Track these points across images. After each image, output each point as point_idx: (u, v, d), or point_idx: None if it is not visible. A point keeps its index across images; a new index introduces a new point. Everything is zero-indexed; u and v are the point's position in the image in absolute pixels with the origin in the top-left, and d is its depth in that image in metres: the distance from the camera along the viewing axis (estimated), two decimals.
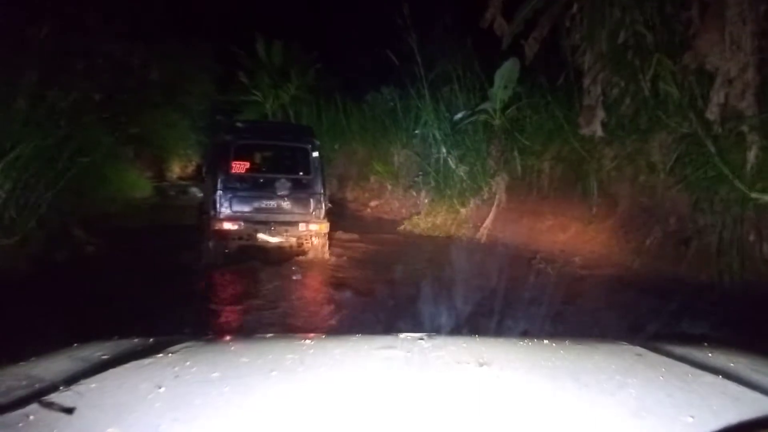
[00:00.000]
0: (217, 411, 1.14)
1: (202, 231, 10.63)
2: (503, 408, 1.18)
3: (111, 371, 1.35)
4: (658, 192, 10.29)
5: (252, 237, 10.25)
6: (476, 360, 1.43)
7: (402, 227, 15.57)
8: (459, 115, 15.59)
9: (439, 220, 15.25)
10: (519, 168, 13.86)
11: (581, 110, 11.21)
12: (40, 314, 5.04)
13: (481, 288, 8.15)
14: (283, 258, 10.56)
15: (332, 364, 1.46)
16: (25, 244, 9.31)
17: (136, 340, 1.72)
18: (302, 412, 1.15)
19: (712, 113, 8.57)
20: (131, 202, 20.13)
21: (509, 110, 14.48)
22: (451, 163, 15.73)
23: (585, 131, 11.03)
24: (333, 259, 10.83)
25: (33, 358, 1.54)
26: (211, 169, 11.02)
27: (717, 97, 8.44)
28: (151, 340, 1.71)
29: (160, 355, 1.50)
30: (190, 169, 28.37)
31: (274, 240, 10.43)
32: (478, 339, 1.83)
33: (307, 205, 10.46)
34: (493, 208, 13.79)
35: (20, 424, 1.06)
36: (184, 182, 26.67)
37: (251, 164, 10.91)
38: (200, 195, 14.16)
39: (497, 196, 13.98)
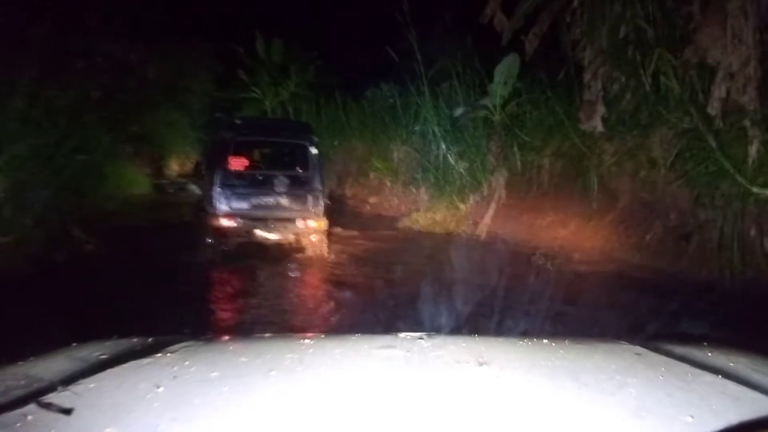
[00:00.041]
0: (216, 411, 1.14)
1: (200, 228, 10.58)
2: (503, 408, 1.17)
3: (109, 371, 1.35)
4: (658, 187, 10.25)
5: (250, 234, 10.19)
6: (476, 359, 1.42)
7: (401, 224, 15.51)
8: (458, 111, 15.54)
9: (438, 217, 15.19)
10: (519, 164, 13.82)
11: (581, 105, 11.16)
12: (36, 314, 4.99)
13: (480, 285, 8.11)
14: (281, 255, 10.51)
15: (332, 363, 1.46)
16: (22, 242, 9.26)
17: (134, 340, 1.71)
18: (301, 412, 1.14)
19: (713, 108, 8.52)
20: (130, 199, 20.03)
21: (509, 106, 14.43)
22: (451, 160, 15.68)
23: (585, 127, 10.98)
24: (332, 256, 10.78)
25: (31, 358, 1.54)
26: (210, 166, 10.96)
27: (718, 91, 8.39)
28: (150, 340, 1.71)
29: (159, 354, 1.49)
30: (190, 166, 28.26)
31: (272, 237, 10.37)
32: (477, 338, 1.82)
33: (305, 201, 10.40)
34: (493, 204, 13.73)
35: (18, 424, 1.06)
36: (183, 180, 26.54)
37: (249, 161, 10.86)
38: (199, 192, 14.10)
39: (497, 192, 13.92)
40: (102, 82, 15.72)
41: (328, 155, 17.90)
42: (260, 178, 10.45)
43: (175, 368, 1.37)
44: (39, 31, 10.50)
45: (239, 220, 10.02)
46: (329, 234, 10.95)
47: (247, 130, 11.23)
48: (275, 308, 7.49)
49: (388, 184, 19.22)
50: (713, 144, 8.72)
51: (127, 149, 23.19)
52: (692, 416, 1.14)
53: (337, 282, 9.01)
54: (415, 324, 6.12)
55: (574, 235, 11.24)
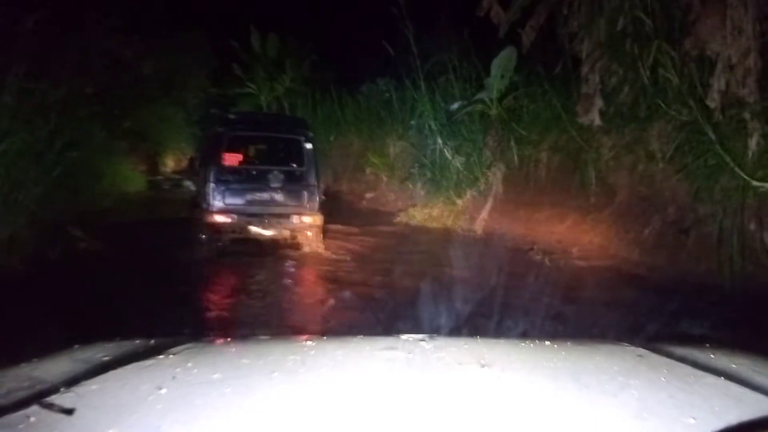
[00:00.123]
0: (218, 412, 1.14)
1: (194, 224, 10.49)
2: (505, 409, 1.18)
3: (112, 372, 1.36)
4: (657, 181, 10.17)
5: (245, 230, 10.12)
6: (478, 361, 1.43)
7: (398, 219, 15.44)
8: (455, 106, 15.42)
9: (435, 212, 15.11)
10: (516, 158, 13.72)
11: (579, 99, 11.07)
12: (28, 313, 4.94)
13: (476, 281, 8.06)
14: (276, 251, 10.45)
15: (333, 365, 1.46)
16: (15, 241, 9.13)
17: (137, 342, 1.72)
18: (303, 414, 1.15)
19: (712, 100, 8.43)
20: (125, 196, 19.96)
21: (506, 100, 14.33)
22: (447, 154, 15.58)
23: (583, 120, 10.90)
24: (327, 252, 10.70)
25: (33, 360, 1.54)
26: (204, 162, 10.89)
27: (718, 83, 8.30)
28: (152, 341, 1.71)
29: (161, 356, 1.50)
30: (185, 162, 28.25)
31: (267, 233, 10.30)
32: (479, 340, 1.85)
33: (300, 197, 10.33)
34: (490, 199, 13.67)
35: (21, 426, 1.06)
36: (178, 176, 26.50)
37: (244, 156, 10.78)
38: (194, 189, 14.01)
39: (494, 187, 13.85)
40: (96, 78, 15.58)
41: (323, 150, 17.84)
42: (255, 173, 10.37)
43: (177, 370, 1.38)
44: (30, 24, 10.35)
45: (234, 216, 9.95)
46: (325, 229, 10.87)
47: (241, 125, 11.16)
48: (270, 306, 7.40)
49: (385, 179, 19.16)
50: (712, 137, 8.61)
51: (121, 145, 23.13)
52: (694, 418, 1.14)
53: (331, 279, 8.93)
54: (412, 321, 6.06)
55: (571, 230, 11.18)
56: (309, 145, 10.49)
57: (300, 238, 10.56)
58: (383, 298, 7.51)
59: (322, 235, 10.70)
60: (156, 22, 22.99)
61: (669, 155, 9.74)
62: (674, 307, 6.20)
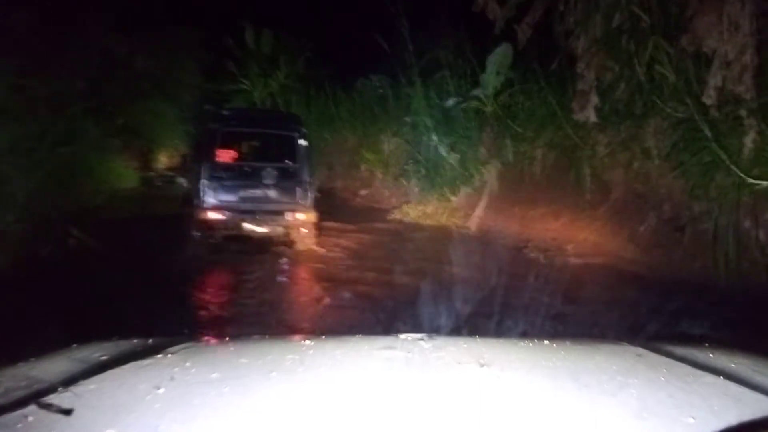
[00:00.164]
0: (216, 412, 1.14)
1: (187, 221, 10.41)
2: (504, 409, 1.18)
3: (110, 372, 1.36)
4: (652, 178, 10.15)
5: (238, 227, 10.05)
6: (477, 360, 1.43)
7: (392, 216, 15.41)
8: (450, 102, 15.38)
9: (429, 209, 15.08)
10: (511, 155, 13.67)
11: (575, 96, 11.03)
12: (19, 312, 4.91)
13: (470, 279, 8.02)
14: (269, 248, 10.37)
15: (332, 364, 1.47)
16: (3, 238, 9.03)
17: (134, 341, 1.72)
18: (302, 413, 1.15)
19: (708, 97, 8.38)
20: (118, 193, 19.83)
21: (501, 96, 14.30)
22: (442, 151, 15.52)
23: (578, 117, 10.86)
24: (320, 249, 10.62)
25: (31, 359, 1.53)
26: (197, 158, 10.81)
27: (714, 80, 8.25)
28: (150, 341, 1.72)
29: (159, 356, 1.50)
30: (178, 159, 28.15)
31: (260, 230, 10.23)
32: (478, 339, 1.85)
33: (293, 194, 10.26)
34: (485, 196, 13.64)
35: (19, 425, 1.06)
36: (171, 173, 26.39)
37: (237, 153, 10.68)
38: (186, 185, 13.93)
39: (489, 184, 13.84)
40: (89, 74, 15.47)
41: (317, 147, 17.72)
42: (248, 170, 10.29)
43: (176, 369, 1.38)
44: (21, 19, 10.24)
45: (227, 212, 9.89)
46: (319, 227, 10.80)
47: (234, 121, 11.07)
48: (262, 305, 7.34)
49: (379, 176, 19.12)
50: (708, 134, 8.56)
51: (114, 142, 22.99)
52: (693, 417, 1.14)
53: (325, 277, 8.87)
54: (406, 320, 6.03)
55: (566, 227, 11.14)
56: (303, 142, 10.42)
57: (293, 235, 10.49)
58: (377, 297, 7.46)
59: (315, 232, 10.63)
60: (149, 18, 22.87)
61: (665, 152, 9.70)
62: (669, 304, 6.18)
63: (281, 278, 9.19)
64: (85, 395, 1.20)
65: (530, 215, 12.18)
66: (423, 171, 16.23)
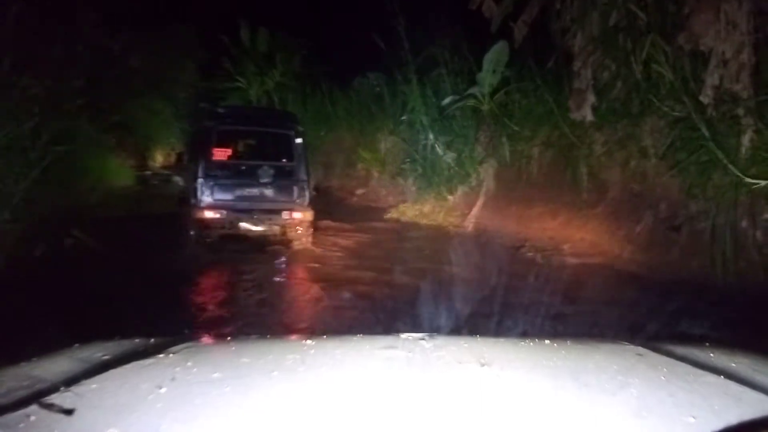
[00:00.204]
0: (217, 411, 1.14)
1: (183, 220, 10.36)
2: (505, 408, 1.18)
3: (111, 372, 1.36)
4: (649, 177, 10.13)
5: (234, 226, 10.02)
6: (477, 360, 1.43)
7: (389, 215, 15.39)
8: (447, 101, 15.30)
9: (426, 208, 15.05)
10: (508, 154, 13.63)
11: (571, 94, 11.02)
12: (11, 312, 4.84)
13: (467, 279, 8.00)
14: (265, 247, 10.33)
15: (333, 364, 1.47)
16: None
17: (136, 341, 1.72)
18: (303, 413, 1.15)
19: (706, 96, 8.36)
20: (113, 191, 19.76)
21: (498, 95, 14.23)
22: (439, 150, 15.49)
23: (575, 116, 10.85)
24: (317, 248, 10.58)
25: (33, 359, 1.54)
26: (192, 156, 10.78)
27: (711, 79, 8.23)
28: (152, 340, 1.72)
29: (161, 355, 1.51)
30: (174, 157, 28.14)
31: (257, 229, 10.20)
32: (479, 339, 1.86)
33: (290, 192, 10.22)
34: (482, 195, 13.62)
35: (20, 425, 1.06)
36: (166, 171, 26.35)
37: (233, 151, 10.65)
38: (182, 184, 13.88)
39: (485, 183, 13.81)
40: (84, 71, 15.37)
41: (314, 145, 17.69)
42: (244, 168, 10.25)
43: (177, 369, 1.38)
44: (14, 15, 10.16)
45: (223, 211, 9.85)
46: (315, 226, 10.77)
47: (230, 120, 11.02)
48: (259, 305, 7.32)
49: (375, 175, 19.08)
50: (706, 133, 8.54)
51: (109, 140, 22.92)
52: (694, 417, 1.14)
53: (321, 276, 8.83)
54: (401, 320, 6.01)
55: (563, 227, 11.12)
56: (299, 140, 10.38)
57: (290, 234, 10.46)
58: (374, 297, 7.43)
59: (312, 231, 10.59)
60: (145, 16, 22.82)
61: (662, 151, 9.68)
62: (666, 304, 6.15)
63: (278, 278, 9.15)
64: (86, 395, 1.20)
65: (527, 214, 12.16)
66: (420, 170, 16.20)
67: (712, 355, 1.66)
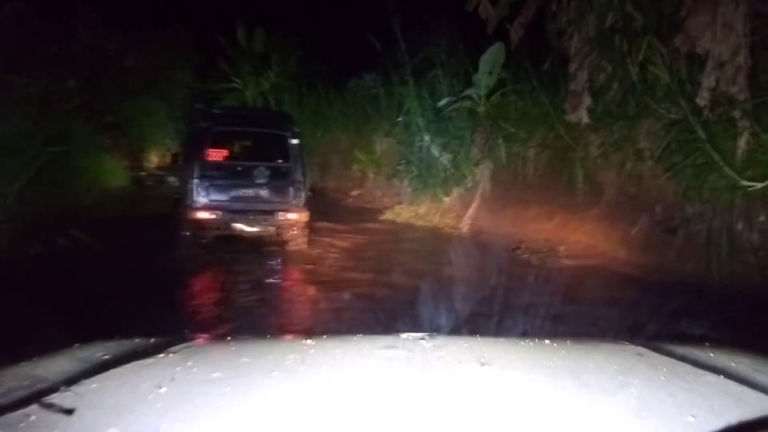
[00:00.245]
0: (217, 411, 1.14)
1: (178, 221, 10.30)
2: (505, 408, 1.18)
3: (112, 371, 1.36)
4: (645, 180, 10.14)
5: (229, 227, 9.95)
6: (477, 360, 1.43)
7: (384, 217, 15.37)
8: (443, 102, 15.30)
9: (422, 210, 15.03)
10: (503, 156, 13.63)
11: (567, 96, 11.01)
12: (4, 314, 4.78)
13: (461, 280, 7.97)
14: (261, 248, 10.28)
15: (333, 364, 1.47)
16: None
17: (136, 341, 1.72)
18: (303, 412, 1.15)
19: (702, 98, 8.36)
20: (108, 192, 19.66)
21: (494, 96, 14.25)
22: (435, 151, 15.47)
23: (571, 118, 10.85)
24: (312, 250, 10.53)
25: (34, 359, 1.53)
26: (188, 157, 10.70)
27: (708, 81, 8.23)
28: (152, 340, 1.72)
29: (161, 355, 1.50)
30: (169, 158, 28.08)
31: (252, 230, 10.14)
32: (479, 339, 1.85)
33: (286, 193, 10.16)
34: (477, 197, 13.60)
35: (21, 425, 1.06)
36: (161, 172, 26.27)
37: (229, 151, 10.58)
38: (177, 184, 13.81)
39: (481, 185, 13.79)
40: (79, 71, 15.32)
41: (309, 147, 17.66)
42: (240, 169, 10.18)
43: (177, 369, 1.38)
44: (5, 14, 10.12)
45: (218, 212, 9.78)
46: (310, 227, 10.71)
47: (225, 120, 10.95)
48: (252, 307, 7.25)
49: (371, 176, 19.07)
50: (702, 135, 8.54)
51: (104, 140, 22.82)
52: (694, 416, 1.14)
53: (316, 278, 8.79)
54: (394, 320, 5.98)
55: (559, 229, 11.12)
56: (295, 141, 10.32)
57: (285, 236, 10.40)
58: (369, 298, 7.40)
59: (307, 233, 10.54)
60: (141, 16, 22.76)
61: (658, 154, 9.68)
62: (661, 306, 6.15)
63: (272, 279, 9.11)
64: (86, 395, 1.20)
65: (523, 216, 12.15)
66: (415, 171, 16.18)
67: (712, 354, 1.66)
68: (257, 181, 9.95)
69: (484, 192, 13.61)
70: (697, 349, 1.72)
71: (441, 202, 14.80)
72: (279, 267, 9.67)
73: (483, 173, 13.85)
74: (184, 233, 9.84)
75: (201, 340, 1.82)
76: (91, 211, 13.81)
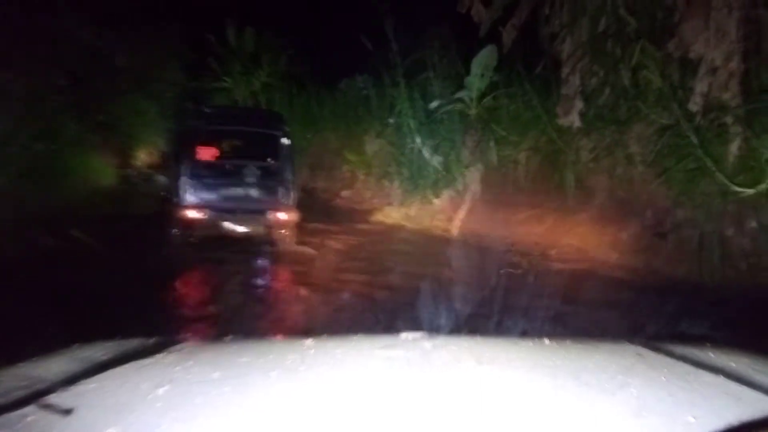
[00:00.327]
0: (217, 411, 1.15)
1: (166, 220, 10.22)
2: (504, 407, 1.18)
3: (111, 371, 1.37)
4: (636, 184, 10.14)
5: (218, 226, 9.88)
6: (477, 359, 1.45)
7: (374, 218, 15.33)
8: (434, 104, 15.26)
9: (412, 211, 14.98)
10: (495, 158, 13.60)
11: (559, 100, 10.99)
12: None
13: (450, 281, 7.94)
14: (249, 248, 10.20)
15: (333, 363, 1.48)
16: None
17: (136, 341, 1.72)
18: (303, 412, 1.15)
19: (694, 104, 8.37)
20: (95, 191, 19.51)
21: (486, 99, 14.21)
22: (426, 153, 15.41)
23: (563, 122, 10.83)
24: (302, 250, 10.46)
25: (32, 359, 1.53)
26: (177, 156, 10.63)
27: (700, 86, 8.24)
28: (152, 340, 1.72)
29: (161, 355, 1.51)
30: (158, 157, 27.99)
31: (240, 229, 10.08)
32: (478, 339, 1.85)
33: (275, 193, 10.12)
34: (468, 200, 13.56)
35: (19, 425, 1.07)
36: (151, 171, 26.16)
37: (218, 151, 10.52)
38: (166, 184, 13.72)
39: (472, 188, 13.76)
40: (68, 69, 15.19)
41: (300, 147, 17.56)
42: (229, 168, 10.13)
43: (177, 369, 1.39)
44: None
45: (207, 211, 9.73)
46: (299, 227, 10.65)
47: (215, 119, 10.92)
48: (241, 307, 7.19)
49: (361, 177, 19.00)
50: (694, 141, 8.55)
51: (93, 139, 22.63)
52: (694, 416, 1.15)
53: (304, 277, 8.74)
54: (387, 320, 5.95)
55: (549, 232, 11.10)
56: (285, 141, 10.30)
57: (274, 235, 10.34)
58: (359, 298, 7.36)
59: (296, 233, 10.48)
60: (131, 14, 22.59)
61: (649, 159, 9.68)
62: (654, 310, 6.13)
63: (260, 280, 9.05)
64: (86, 395, 1.21)
65: (513, 219, 12.12)
66: (406, 173, 16.11)
67: (711, 354, 1.66)
68: (247, 181, 9.91)
69: (475, 194, 13.58)
70: (696, 349, 1.72)
71: (431, 204, 14.76)
72: (267, 267, 9.62)
73: (473, 176, 13.82)
74: (172, 232, 9.77)
75: (200, 340, 1.78)
76: (78, 210, 13.66)
